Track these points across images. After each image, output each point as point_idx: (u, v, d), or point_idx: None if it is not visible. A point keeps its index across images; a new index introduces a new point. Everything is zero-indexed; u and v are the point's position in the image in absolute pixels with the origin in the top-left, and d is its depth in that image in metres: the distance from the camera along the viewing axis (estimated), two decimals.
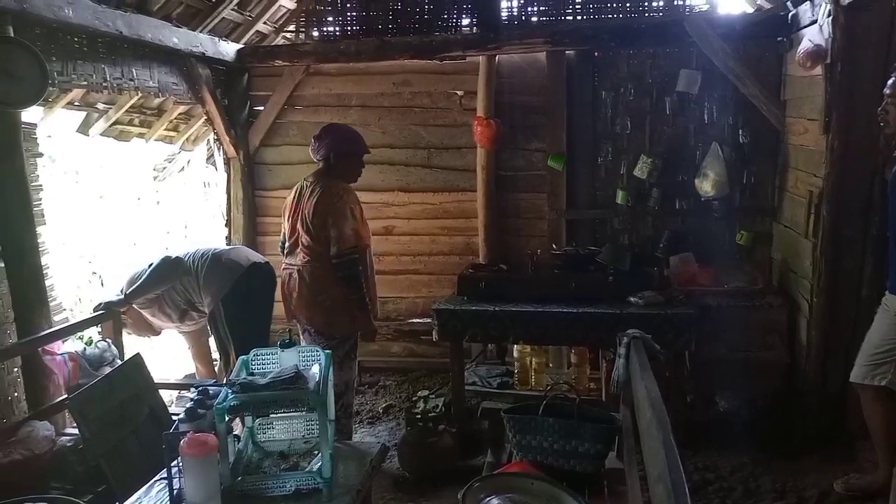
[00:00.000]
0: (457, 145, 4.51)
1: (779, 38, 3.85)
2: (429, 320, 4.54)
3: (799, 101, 3.62)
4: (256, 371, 2.33)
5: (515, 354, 3.86)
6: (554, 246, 4.06)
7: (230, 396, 2.01)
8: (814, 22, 3.32)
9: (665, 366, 3.14)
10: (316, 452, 2.29)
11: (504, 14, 4.30)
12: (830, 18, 3.06)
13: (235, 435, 2.31)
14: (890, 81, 2.53)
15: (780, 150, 3.91)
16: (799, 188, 3.57)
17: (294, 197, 3.30)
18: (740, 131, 4.00)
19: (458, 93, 4.46)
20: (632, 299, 3.52)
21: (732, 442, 3.39)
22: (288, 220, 3.31)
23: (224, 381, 2.30)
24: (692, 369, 3.57)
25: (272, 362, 2.33)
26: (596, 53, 4.20)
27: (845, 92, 3.06)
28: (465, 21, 4.42)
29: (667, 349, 3.37)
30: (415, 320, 4.70)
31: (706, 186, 3.94)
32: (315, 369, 2.27)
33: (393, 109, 4.58)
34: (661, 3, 4.08)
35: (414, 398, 3.60)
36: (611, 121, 4.23)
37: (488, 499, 2.05)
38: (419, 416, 3.32)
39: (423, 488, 3.24)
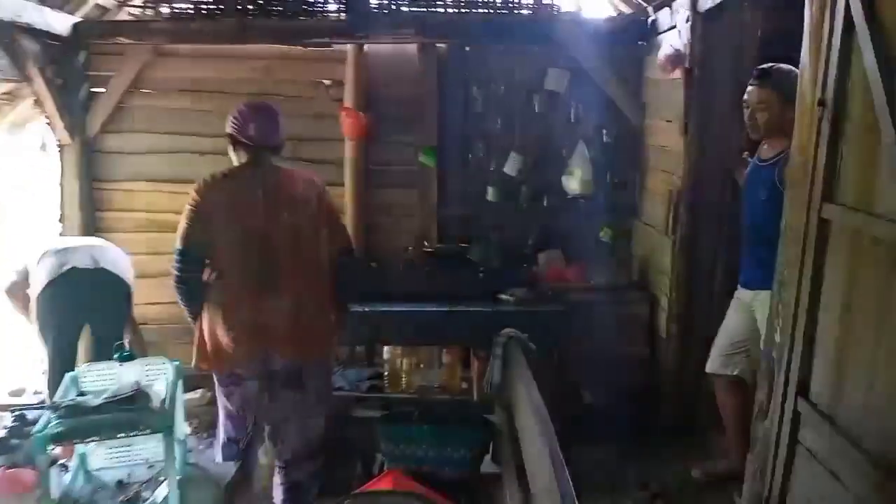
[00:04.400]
0: (324, 137, 4.28)
1: (639, 42, 3.99)
2: None
3: (658, 104, 3.75)
4: (89, 389, 2.03)
5: (385, 356, 3.72)
6: (426, 243, 3.96)
7: (53, 422, 1.71)
8: (673, 27, 3.45)
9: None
10: (161, 479, 2.04)
11: (373, 2, 4.14)
12: (689, 25, 3.17)
13: (63, 465, 1.99)
14: (750, 88, 2.64)
15: (641, 151, 4.05)
16: (659, 187, 3.70)
17: (229, 200, 2.50)
18: (604, 131, 4.11)
19: (326, 82, 4.24)
20: (502, 297, 3.50)
21: (598, 436, 3.45)
22: (226, 231, 2.47)
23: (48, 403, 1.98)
24: (559, 365, 3.60)
25: (108, 378, 2.04)
26: (467, 48, 4.14)
27: (703, 96, 3.20)
28: (333, 7, 4.20)
29: (536, 346, 3.41)
30: None
31: (573, 184, 4.00)
32: (159, 385, 2.01)
33: (255, 97, 4.26)
34: (531, 1, 4.08)
35: None
36: (482, 117, 4.19)
37: None
38: None
39: None
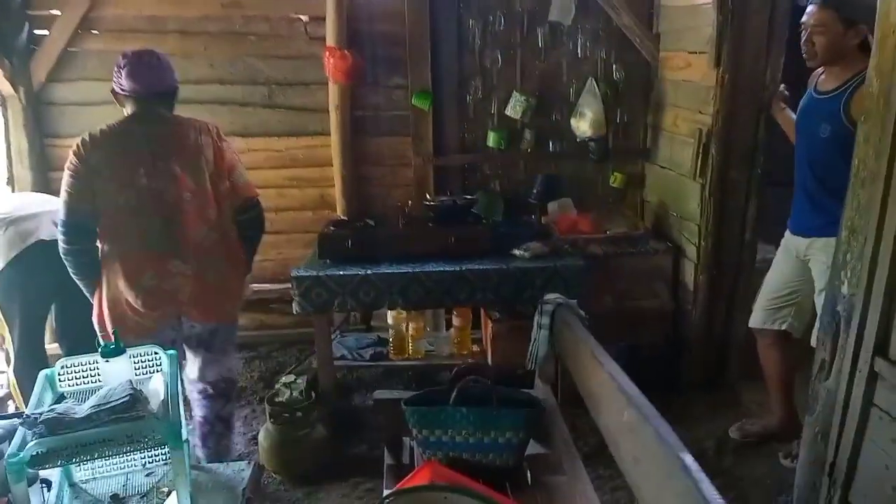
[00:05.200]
0: (304, 81, 3.85)
1: None
2: (279, 286, 3.99)
3: (678, 33, 3.42)
4: (68, 392, 1.67)
5: (390, 321, 3.41)
6: (428, 196, 3.61)
7: (31, 442, 1.36)
8: None
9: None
10: (164, 489, 1.71)
11: None
12: None
13: (45, 481, 1.65)
14: (810, 9, 2.33)
15: (654, 87, 3.73)
16: (679, 127, 3.40)
17: (114, 159, 2.32)
18: (614, 66, 3.77)
19: (303, 18, 3.77)
20: (516, 252, 3.19)
21: None
22: (118, 188, 2.32)
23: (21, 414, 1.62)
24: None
25: (91, 377, 1.68)
26: None
27: (736, 23, 2.87)
28: None
29: None
30: (263, 286, 4.06)
31: (583, 126, 3.68)
32: (155, 383, 1.66)
33: (222, 37, 3.78)
34: None
35: (275, 383, 3.04)
36: (479, 54, 3.79)
37: None
38: (285, 408, 2.78)
39: (298, 490, 2.76)
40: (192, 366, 2.63)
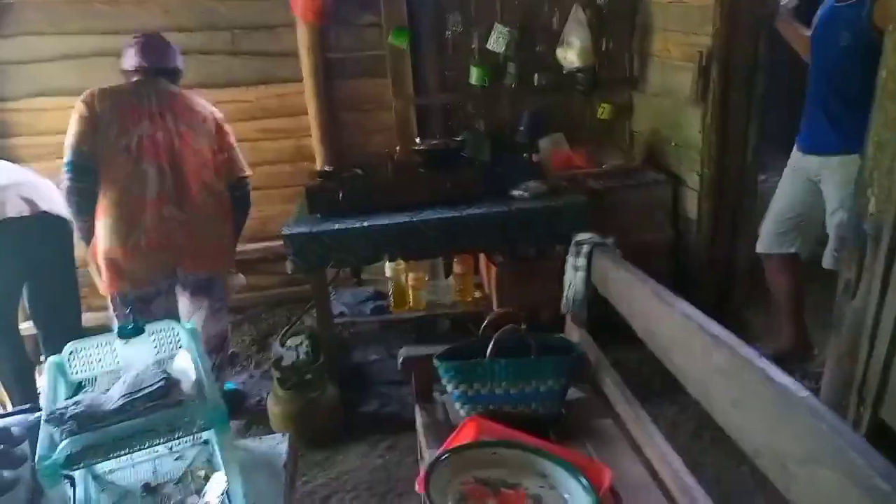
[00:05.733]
0: (269, 23, 3.56)
1: None
2: (261, 245, 3.81)
3: None
4: (85, 380, 1.50)
5: (388, 273, 3.28)
6: (418, 140, 3.43)
7: (62, 441, 1.20)
8: None
9: None
10: (199, 472, 1.58)
11: None
12: None
13: (67, 477, 1.49)
14: None
15: (640, 11, 3.58)
16: (672, 52, 3.28)
17: (120, 108, 2.51)
18: None
19: None
20: (515, 193, 3.07)
21: (630, 331, 3.20)
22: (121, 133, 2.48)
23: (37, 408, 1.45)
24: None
25: (109, 362, 1.52)
26: None
27: None
28: None
29: (562, 242, 3.04)
30: (245, 247, 3.85)
31: (570, 56, 3.52)
32: (181, 361, 1.50)
33: None
34: None
35: (270, 346, 2.90)
36: None
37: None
38: (293, 371, 2.65)
39: (316, 454, 2.66)
40: (194, 319, 2.67)
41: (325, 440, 2.70)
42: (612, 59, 3.73)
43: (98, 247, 2.50)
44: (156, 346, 1.56)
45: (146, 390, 1.29)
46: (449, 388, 1.93)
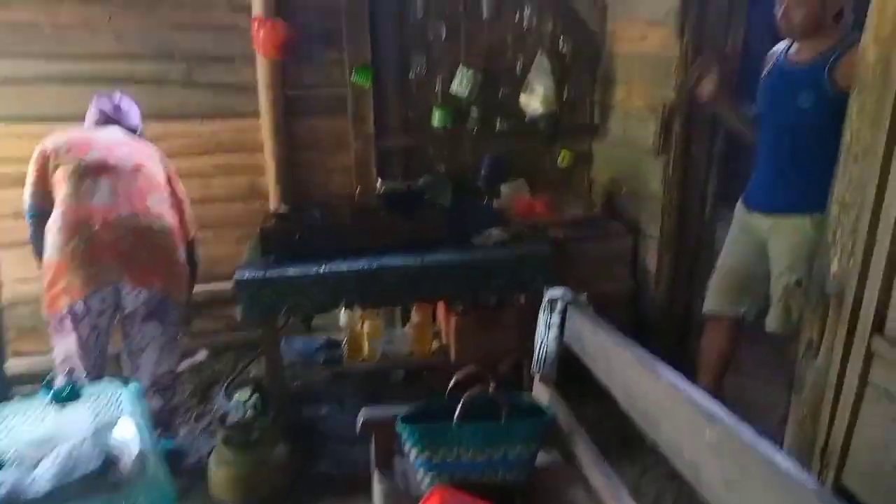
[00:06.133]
0: (228, 55, 3.44)
1: None
2: (207, 287, 3.62)
3: (630, 4, 3.30)
4: (8, 453, 1.33)
5: (342, 321, 3.15)
6: (378, 182, 3.34)
7: None
8: None
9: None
10: None
11: None
12: None
13: None
14: None
15: (603, 61, 3.62)
16: (635, 102, 3.31)
17: (68, 136, 2.68)
18: (561, 39, 3.62)
19: None
20: (477, 240, 3.01)
21: (589, 382, 3.15)
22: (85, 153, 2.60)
23: None
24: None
25: (40, 430, 1.36)
26: None
27: None
28: None
29: (524, 292, 2.99)
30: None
31: (534, 103, 3.51)
32: (124, 429, 1.35)
33: (129, 5, 3.31)
34: None
35: (222, 395, 2.73)
36: (421, 26, 3.53)
37: None
38: (241, 429, 2.47)
39: None
40: (145, 355, 2.61)
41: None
42: (574, 107, 3.75)
43: (52, 262, 2.47)
44: (94, 412, 1.41)
45: (81, 471, 1.14)
46: (412, 454, 1.82)
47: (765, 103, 2.51)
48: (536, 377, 2.03)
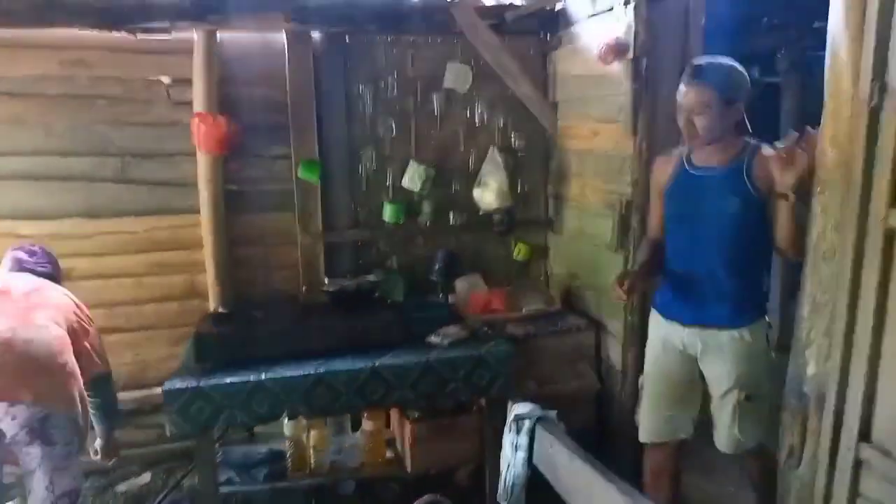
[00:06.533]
0: (166, 151, 3.29)
1: (546, 34, 3.54)
2: (138, 394, 3.34)
3: (580, 102, 3.32)
4: None
5: (287, 431, 2.87)
6: (326, 280, 3.16)
7: None
8: (595, 15, 3.05)
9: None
10: None
11: None
12: (631, 7, 2.76)
13: None
14: (685, 90, 2.14)
15: (555, 156, 3.61)
16: (589, 197, 3.26)
17: None
18: (513, 135, 3.61)
19: (165, 80, 3.25)
20: (433, 339, 2.83)
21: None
22: None
23: None
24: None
25: None
26: (347, 38, 3.40)
27: (651, 89, 2.79)
28: None
29: (483, 395, 2.80)
30: (120, 397, 3.33)
31: (488, 198, 3.44)
32: None
33: (64, 100, 3.15)
34: None
35: None
36: (371, 121, 3.47)
37: None
38: None
39: None
40: (35, 478, 2.22)
41: None
42: (528, 201, 3.70)
43: None
44: None
45: None
46: None
47: (677, 211, 2.32)
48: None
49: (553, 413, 1.74)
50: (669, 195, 2.34)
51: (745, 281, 2.21)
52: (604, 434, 3.14)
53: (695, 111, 2.14)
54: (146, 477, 3.28)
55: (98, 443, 2.63)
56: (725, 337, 2.21)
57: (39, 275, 2.57)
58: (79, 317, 2.50)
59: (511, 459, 1.70)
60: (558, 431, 1.63)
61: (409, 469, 2.83)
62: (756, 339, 2.21)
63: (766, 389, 2.23)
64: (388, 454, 2.93)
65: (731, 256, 2.20)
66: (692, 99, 2.13)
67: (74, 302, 2.55)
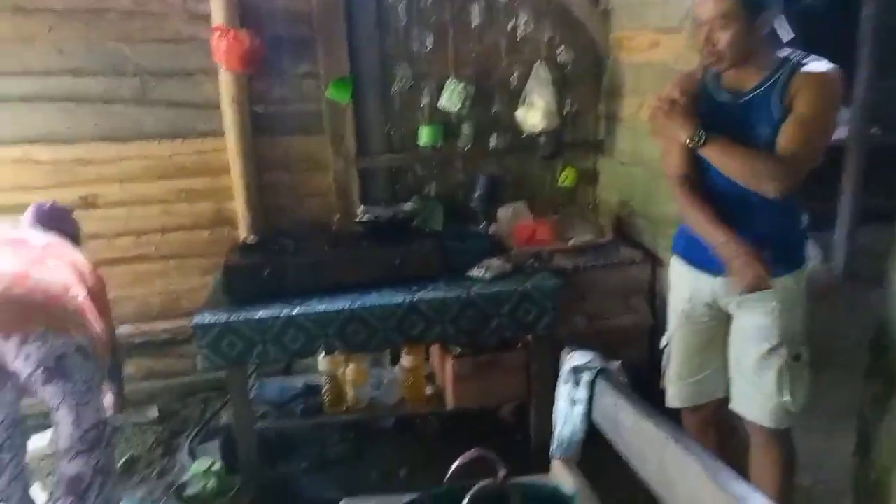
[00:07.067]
0: (187, 70, 3.06)
1: None
2: (170, 324, 3.25)
3: (637, 9, 2.97)
4: None
5: (322, 367, 2.75)
6: (363, 206, 2.97)
7: None
8: None
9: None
10: None
11: None
12: None
13: None
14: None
15: (607, 72, 3.28)
16: (645, 116, 2.96)
17: None
18: (560, 49, 3.28)
19: None
20: (474, 273, 2.64)
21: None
22: None
23: None
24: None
25: None
26: None
27: None
28: None
29: (529, 332, 2.63)
30: (151, 326, 3.26)
31: (533, 118, 3.16)
32: None
33: (72, 15, 2.91)
34: None
35: (186, 451, 2.32)
36: (405, 34, 3.18)
37: None
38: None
39: None
40: (60, 414, 2.09)
41: None
42: (577, 122, 3.40)
43: None
44: None
45: None
46: None
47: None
48: (555, 459, 1.64)
49: (616, 364, 1.54)
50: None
51: (787, 220, 1.89)
52: (656, 376, 2.95)
53: (715, 25, 1.80)
54: (153, 412, 3.21)
55: (109, 398, 2.54)
56: (769, 289, 1.81)
57: (59, 234, 2.43)
58: (92, 277, 2.37)
59: (567, 413, 1.52)
60: (624, 387, 1.43)
61: (450, 406, 2.70)
62: (800, 287, 1.89)
63: (809, 348, 1.93)
64: (429, 390, 2.80)
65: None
66: (711, 9, 1.76)
67: (89, 265, 2.42)
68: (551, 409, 2.64)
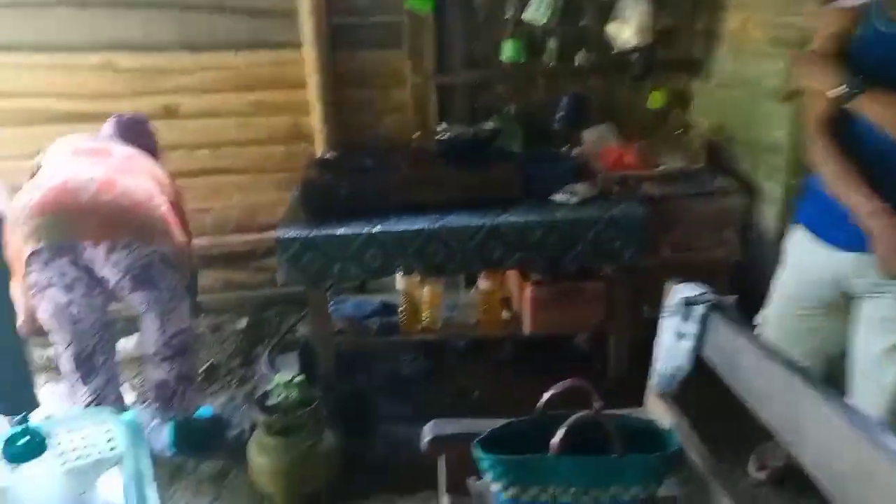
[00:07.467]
0: None
1: None
2: (247, 237, 3.29)
3: None
4: None
5: (399, 286, 2.73)
6: (442, 124, 2.86)
7: None
8: None
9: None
10: None
11: None
12: None
13: None
14: None
15: None
16: (752, 33, 2.71)
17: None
18: None
19: None
20: (559, 197, 2.53)
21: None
22: None
23: None
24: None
25: None
26: None
27: None
28: None
29: (613, 261, 2.52)
30: (228, 239, 3.31)
31: (625, 34, 2.94)
32: (109, 488, 0.96)
33: None
34: None
35: (265, 361, 2.39)
36: None
37: None
38: (281, 414, 2.10)
39: None
40: (146, 320, 2.23)
41: (323, 498, 2.18)
42: (671, 38, 3.15)
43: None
44: (68, 465, 1.01)
45: None
46: (495, 487, 1.40)
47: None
48: (652, 394, 1.57)
49: (731, 299, 1.43)
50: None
51: None
52: (753, 306, 2.82)
53: None
54: (243, 322, 3.29)
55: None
56: None
57: (138, 146, 2.44)
58: (172, 188, 2.41)
59: (673, 348, 1.44)
60: (742, 324, 1.34)
61: (526, 331, 2.66)
62: None
63: None
64: (505, 315, 2.75)
65: None
66: None
67: (168, 176, 2.42)
68: (630, 341, 2.61)
